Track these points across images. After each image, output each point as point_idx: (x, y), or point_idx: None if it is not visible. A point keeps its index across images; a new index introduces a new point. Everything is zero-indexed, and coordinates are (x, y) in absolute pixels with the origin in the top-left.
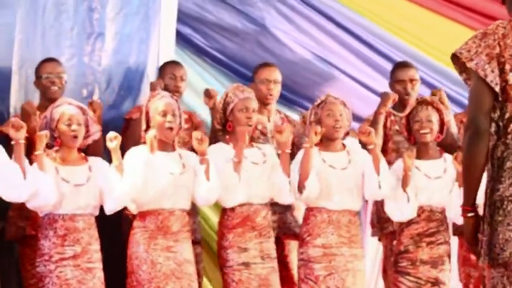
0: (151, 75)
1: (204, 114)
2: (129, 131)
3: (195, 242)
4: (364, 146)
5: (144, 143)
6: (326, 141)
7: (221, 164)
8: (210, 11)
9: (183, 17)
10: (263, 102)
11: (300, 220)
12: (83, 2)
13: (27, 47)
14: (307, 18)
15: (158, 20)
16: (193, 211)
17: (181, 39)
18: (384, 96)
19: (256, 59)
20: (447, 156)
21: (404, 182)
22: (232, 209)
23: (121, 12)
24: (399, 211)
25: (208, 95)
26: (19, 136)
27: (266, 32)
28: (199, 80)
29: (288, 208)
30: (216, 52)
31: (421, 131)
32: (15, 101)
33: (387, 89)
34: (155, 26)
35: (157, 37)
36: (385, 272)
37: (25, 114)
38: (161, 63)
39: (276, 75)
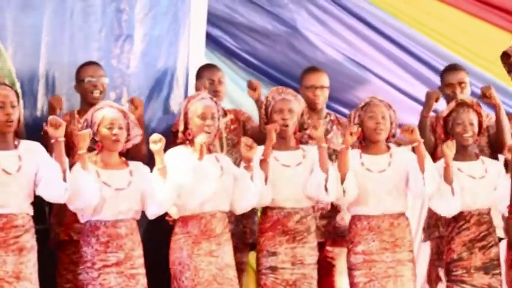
0: (180, 77)
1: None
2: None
3: (254, 246)
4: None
5: (182, 143)
6: (368, 144)
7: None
8: (240, 12)
9: (213, 18)
10: (311, 108)
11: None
12: (111, 3)
13: (55, 49)
14: (339, 20)
15: (188, 21)
16: (251, 212)
17: (211, 41)
18: (426, 97)
19: (287, 61)
20: (484, 158)
21: (447, 175)
22: (265, 213)
23: (150, 14)
24: (445, 205)
25: (251, 86)
26: (59, 134)
27: (297, 33)
28: (230, 83)
29: (337, 212)
30: (247, 54)
31: (465, 135)
32: (42, 104)
33: (421, 93)
34: (185, 27)
35: (186, 39)
36: (428, 276)
37: (51, 108)
38: (191, 65)
39: (323, 80)
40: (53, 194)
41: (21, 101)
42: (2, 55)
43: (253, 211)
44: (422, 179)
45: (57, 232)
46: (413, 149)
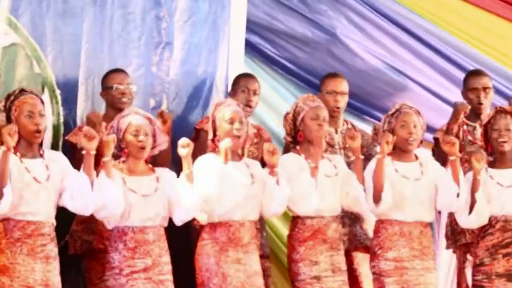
0: (220, 85)
1: (274, 125)
2: (199, 141)
3: (263, 257)
4: (439, 155)
5: (211, 151)
6: (399, 151)
7: (294, 173)
8: (279, 19)
9: (252, 26)
10: (330, 114)
11: (370, 233)
12: (151, 11)
13: (94, 57)
14: (379, 27)
15: (227, 29)
16: (261, 225)
17: (251, 48)
18: (455, 109)
19: (327, 69)
20: None
21: (474, 187)
22: (303, 222)
23: (189, 21)
24: (468, 218)
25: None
26: (91, 146)
27: (337, 41)
28: (269, 90)
29: (357, 220)
30: (286, 61)
31: (499, 140)
32: (81, 112)
33: (459, 98)
34: (224, 35)
35: (226, 46)
36: (459, 285)
37: (90, 124)
38: (230, 73)
39: (343, 86)
40: (79, 206)
41: (58, 108)
42: (42, 62)
43: (262, 224)
44: (456, 192)
45: (87, 240)
46: (437, 155)
